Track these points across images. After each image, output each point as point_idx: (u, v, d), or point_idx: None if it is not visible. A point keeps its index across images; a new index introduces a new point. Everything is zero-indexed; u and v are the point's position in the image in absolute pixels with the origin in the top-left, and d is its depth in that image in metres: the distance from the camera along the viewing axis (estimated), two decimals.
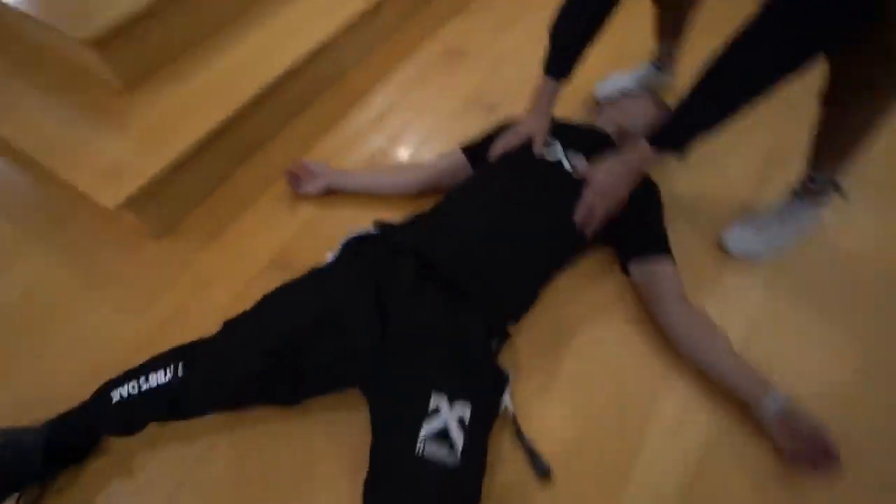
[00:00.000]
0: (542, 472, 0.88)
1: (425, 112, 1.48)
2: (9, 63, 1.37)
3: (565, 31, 1.01)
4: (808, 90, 0.91)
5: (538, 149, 1.08)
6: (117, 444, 0.93)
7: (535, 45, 1.10)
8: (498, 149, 1.12)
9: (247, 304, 0.92)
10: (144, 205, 1.15)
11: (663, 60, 1.40)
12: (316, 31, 1.41)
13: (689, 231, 1.16)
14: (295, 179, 1.27)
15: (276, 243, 1.21)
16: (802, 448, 0.83)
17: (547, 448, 0.90)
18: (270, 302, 0.92)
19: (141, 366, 0.88)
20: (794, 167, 1.09)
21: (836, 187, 1.05)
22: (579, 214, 0.99)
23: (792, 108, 1.09)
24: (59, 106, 1.27)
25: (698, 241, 1.16)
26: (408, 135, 1.44)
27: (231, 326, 0.90)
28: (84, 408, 0.88)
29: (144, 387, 0.83)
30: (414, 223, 1.03)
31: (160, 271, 1.18)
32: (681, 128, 0.84)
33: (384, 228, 1.01)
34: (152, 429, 0.90)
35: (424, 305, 0.88)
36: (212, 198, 1.31)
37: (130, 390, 0.84)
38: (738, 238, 1.12)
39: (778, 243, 1.12)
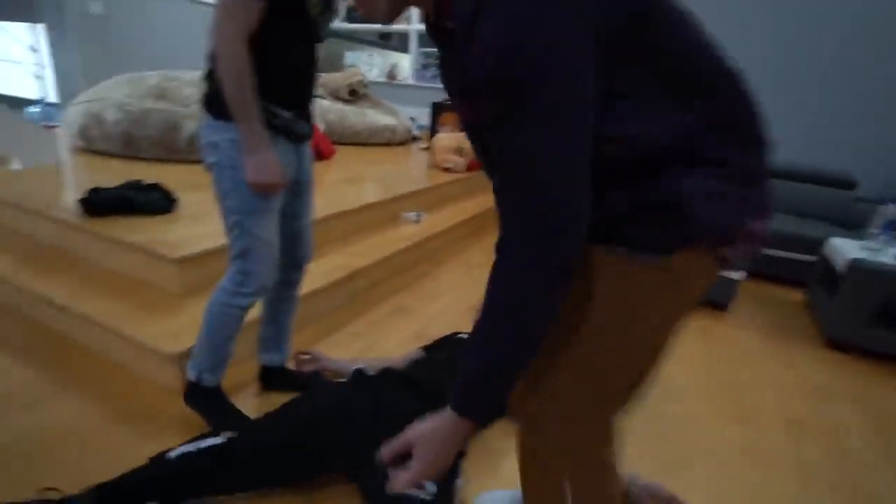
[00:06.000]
0: None
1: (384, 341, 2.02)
2: None
3: None
4: None
5: None
6: None
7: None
8: None
9: None
10: None
11: None
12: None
13: None
14: (300, 363, 1.68)
15: None
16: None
17: None
18: (304, 397, 1.29)
19: (195, 437, 1.14)
20: None
21: None
22: None
23: None
24: None
25: None
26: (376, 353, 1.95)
27: (270, 414, 1.22)
28: (137, 470, 1.08)
29: (202, 445, 1.09)
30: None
31: None
32: None
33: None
34: None
35: (409, 408, 1.26)
36: None
37: (188, 449, 1.09)
38: None
39: None
